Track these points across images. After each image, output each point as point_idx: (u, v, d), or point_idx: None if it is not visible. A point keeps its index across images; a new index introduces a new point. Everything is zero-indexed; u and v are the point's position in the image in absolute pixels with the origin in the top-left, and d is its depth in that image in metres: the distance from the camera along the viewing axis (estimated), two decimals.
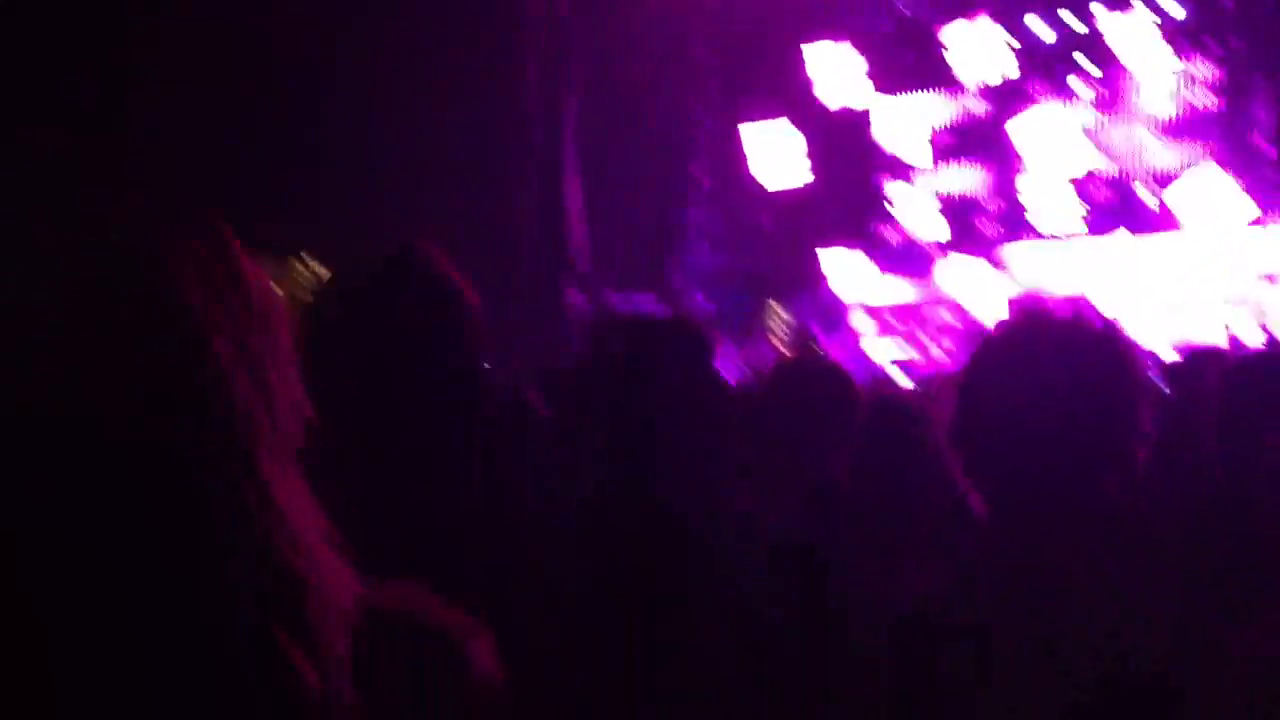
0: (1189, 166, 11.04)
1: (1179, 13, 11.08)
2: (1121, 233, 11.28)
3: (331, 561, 0.90)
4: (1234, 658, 1.87)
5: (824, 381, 2.68)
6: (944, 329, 11.57)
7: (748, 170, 12.62)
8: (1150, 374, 1.81)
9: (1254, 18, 10.90)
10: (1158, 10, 11.14)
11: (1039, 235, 11.91)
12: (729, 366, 10.99)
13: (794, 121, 12.47)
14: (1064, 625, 1.69)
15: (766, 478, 2.63)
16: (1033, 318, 1.84)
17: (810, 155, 12.53)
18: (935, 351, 11.24)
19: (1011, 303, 1.93)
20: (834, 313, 12.45)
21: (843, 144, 12.79)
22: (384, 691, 0.98)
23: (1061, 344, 1.78)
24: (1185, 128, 11.36)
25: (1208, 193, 10.75)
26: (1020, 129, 11.57)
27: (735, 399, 3.86)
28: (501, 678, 1.09)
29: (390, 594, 1.05)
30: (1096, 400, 1.76)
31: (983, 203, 12.60)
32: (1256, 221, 10.62)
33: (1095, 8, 11.43)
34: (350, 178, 9.83)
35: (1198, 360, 3.01)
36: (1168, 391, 2.88)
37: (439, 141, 10.39)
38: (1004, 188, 12.37)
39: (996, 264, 11.72)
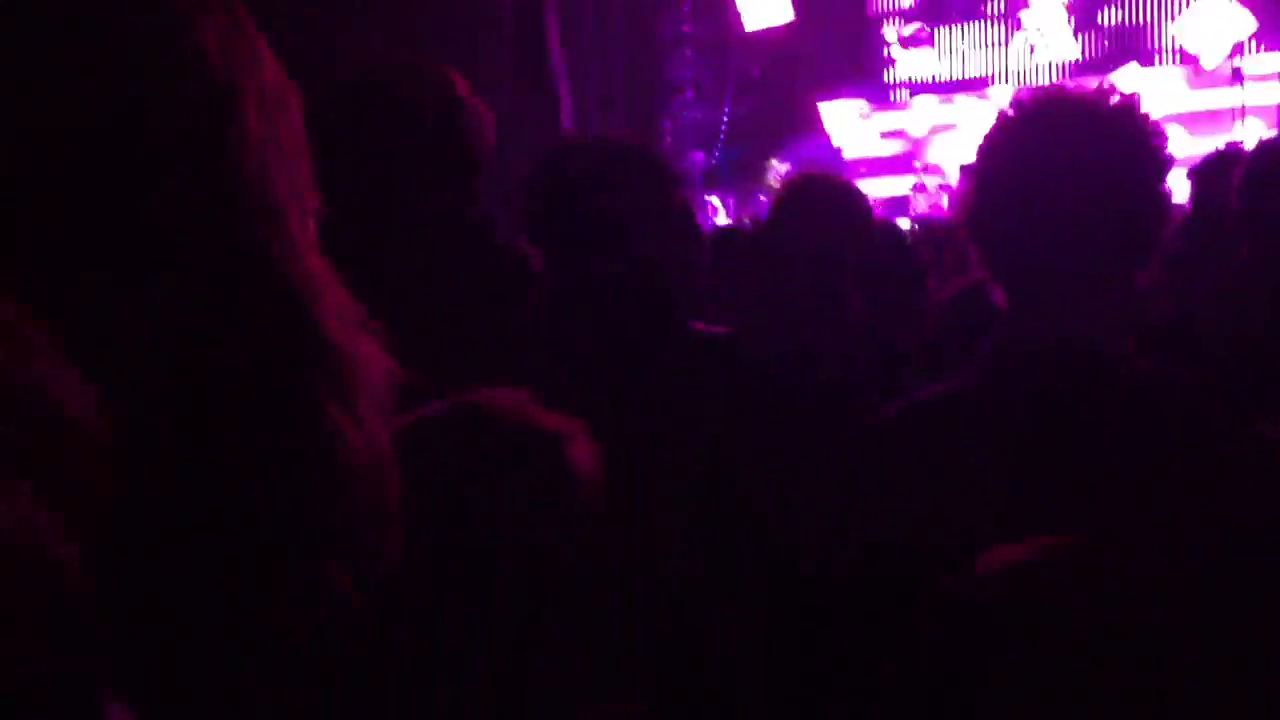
0: None
1: None
2: (1132, 66, 11.03)
3: (364, 335, 0.88)
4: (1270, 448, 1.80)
5: (835, 194, 2.55)
6: (941, 173, 11.39)
7: (738, 19, 12.25)
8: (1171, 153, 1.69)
9: None
10: None
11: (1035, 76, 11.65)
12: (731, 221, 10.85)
13: None
14: (1093, 414, 1.61)
15: (777, 300, 2.54)
16: (1048, 96, 1.73)
17: (800, 1, 12.16)
18: (935, 195, 11.08)
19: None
20: (832, 164, 12.23)
21: None
22: (484, 487, 1.03)
23: (1079, 121, 1.67)
24: None
25: (1213, 20, 10.47)
26: None
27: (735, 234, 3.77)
28: (601, 480, 1.12)
29: (489, 394, 1.10)
30: (1117, 181, 1.66)
31: (983, 43, 12.30)
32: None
33: None
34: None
35: (1222, 158, 2.92)
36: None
37: (420, 10, 10.06)
38: (1007, 25, 12.05)
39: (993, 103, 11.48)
